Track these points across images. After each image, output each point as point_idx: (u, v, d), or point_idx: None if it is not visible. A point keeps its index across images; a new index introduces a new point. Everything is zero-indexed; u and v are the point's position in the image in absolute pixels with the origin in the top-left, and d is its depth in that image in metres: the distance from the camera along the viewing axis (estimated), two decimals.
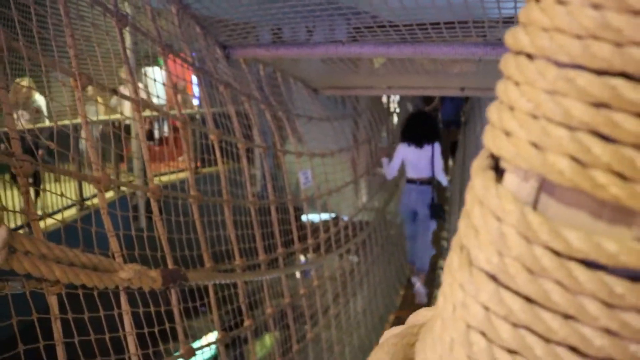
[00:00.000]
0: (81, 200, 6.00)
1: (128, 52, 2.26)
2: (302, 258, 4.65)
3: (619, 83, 0.36)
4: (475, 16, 2.99)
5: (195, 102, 7.34)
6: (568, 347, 0.39)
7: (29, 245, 1.27)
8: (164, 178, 5.19)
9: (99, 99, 5.60)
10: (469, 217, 0.46)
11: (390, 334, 0.58)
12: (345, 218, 5.46)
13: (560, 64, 0.39)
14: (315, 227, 4.17)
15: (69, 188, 5.94)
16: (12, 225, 3.83)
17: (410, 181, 6.74)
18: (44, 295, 1.40)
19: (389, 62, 4.84)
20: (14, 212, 2.01)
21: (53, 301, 1.41)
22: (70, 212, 5.83)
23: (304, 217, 4.06)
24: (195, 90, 5.58)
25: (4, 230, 1.17)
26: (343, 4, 3.14)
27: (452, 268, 0.47)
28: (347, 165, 6.39)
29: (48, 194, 5.60)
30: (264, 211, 3.38)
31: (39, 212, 1.60)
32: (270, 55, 3.48)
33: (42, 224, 1.51)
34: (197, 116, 6.32)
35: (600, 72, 0.37)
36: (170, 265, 2.06)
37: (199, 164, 5.92)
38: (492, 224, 0.42)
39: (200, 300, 2.54)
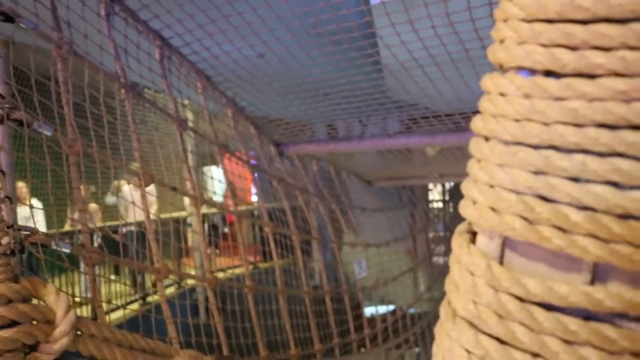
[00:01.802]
0: (143, 295, 6.21)
1: (189, 153, 2.48)
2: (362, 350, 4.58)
3: (551, 154, 0.45)
4: None
5: (254, 198, 7.63)
6: None
7: (93, 329, 1.39)
8: (228, 272, 5.34)
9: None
10: (450, 275, 0.54)
11: None
12: (404, 308, 5.38)
13: (506, 142, 0.48)
14: (372, 319, 4.14)
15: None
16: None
17: None
18: None
19: (440, 152, 4.95)
20: (81, 298, 2.16)
21: None
22: (133, 307, 6.02)
23: (366, 311, 4.06)
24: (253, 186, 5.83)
25: (72, 314, 1.30)
26: (397, 97, 3.31)
27: (442, 320, 0.54)
28: (403, 254, 6.37)
29: (112, 290, 5.83)
30: (318, 301, 3.42)
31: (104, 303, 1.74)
32: (321, 150, 3.67)
33: (107, 317, 1.64)
34: (256, 212, 6.56)
35: (535, 147, 0.46)
36: (225, 354, 2.13)
37: (258, 258, 6.05)
38: (466, 277, 0.50)
39: None
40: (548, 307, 0.45)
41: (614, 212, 0.42)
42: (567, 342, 0.44)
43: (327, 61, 2.77)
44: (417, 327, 5.15)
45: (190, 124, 2.50)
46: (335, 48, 2.61)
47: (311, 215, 3.73)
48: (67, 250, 1.57)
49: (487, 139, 0.50)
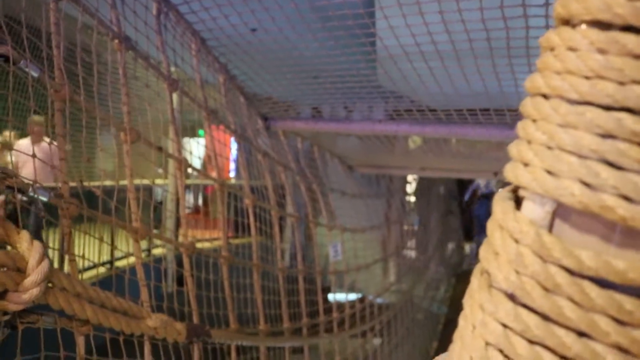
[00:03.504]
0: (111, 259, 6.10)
1: (176, 114, 2.40)
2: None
3: (623, 116, 0.40)
4: (511, 105, 3.09)
5: (232, 174, 7.54)
6: None
7: (66, 283, 1.33)
8: (198, 245, 5.27)
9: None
10: (489, 242, 0.49)
11: None
12: (371, 297, 5.39)
13: (571, 101, 0.43)
14: (341, 304, 4.13)
15: (102, 249, 6.06)
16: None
17: None
18: (72, 335, 1.44)
19: (424, 144, 4.94)
20: (55, 249, 2.08)
21: (81, 341, 1.44)
22: (100, 271, 5.91)
23: (330, 297, 4.04)
24: (232, 163, 5.75)
25: (46, 264, 1.23)
26: (385, 88, 3.28)
27: (473, 290, 0.50)
28: (377, 243, 6.39)
29: (80, 251, 5.70)
30: (291, 280, 3.39)
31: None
32: (309, 128, 3.62)
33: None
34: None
35: (606, 108, 0.41)
36: (195, 322, 2.08)
37: (230, 234, 6.00)
38: (510, 245, 0.46)
39: None
40: (601, 283, 0.42)
41: None
42: (620, 322, 0.41)
43: (320, 44, 2.71)
44: (383, 317, 5.17)
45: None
46: (331, 33, 2.56)
47: (290, 193, 3.68)
48: (45, 199, 1.50)
49: (547, 97, 0.46)
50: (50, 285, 1.31)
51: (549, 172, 0.44)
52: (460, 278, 10.85)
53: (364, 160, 5.52)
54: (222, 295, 2.49)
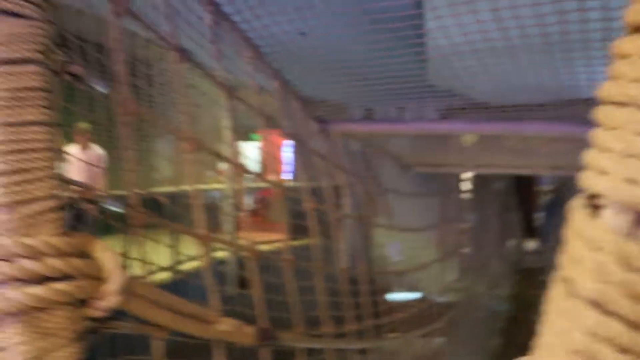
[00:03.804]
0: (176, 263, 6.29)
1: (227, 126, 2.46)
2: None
3: None
4: (567, 96, 3.00)
5: (286, 176, 7.62)
6: None
7: (143, 290, 1.40)
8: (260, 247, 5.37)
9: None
10: (568, 250, 0.50)
11: None
12: (432, 297, 5.34)
13: None
14: (402, 305, 4.12)
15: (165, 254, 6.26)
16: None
17: None
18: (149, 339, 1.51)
19: (478, 142, 4.86)
20: (132, 259, 2.18)
21: (158, 345, 1.51)
22: (164, 276, 6.11)
23: (391, 297, 4.03)
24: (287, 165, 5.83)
25: (123, 272, 1.30)
26: (437, 86, 3.25)
27: (554, 299, 0.51)
28: (434, 242, 6.31)
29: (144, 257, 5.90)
30: (352, 281, 3.40)
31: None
32: (362, 129, 3.63)
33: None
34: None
35: None
36: (263, 325, 2.13)
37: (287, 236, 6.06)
38: (591, 254, 0.46)
39: None
40: None
41: None
42: None
43: (368, 46, 2.71)
44: (445, 317, 5.11)
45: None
46: (379, 35, 2.56)
47: (347, 195, 3.70)
48: (118, 210, 1.57)
49: (622, 105, 0.46)
50: (128, 292, 1.38)
51: (630, 181, 0.44)
52: (521, 275, 10.57)
53: (418, 159, 5.48)
54: (283, 298, 2.53)
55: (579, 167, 0.50)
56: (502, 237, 10.31)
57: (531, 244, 12.67)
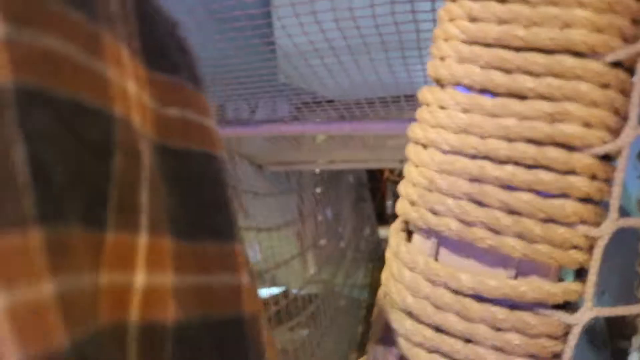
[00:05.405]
0: None
1: None
2: None
3: (485, 164, 0.50)
4: (404, 92, 3.26)
5: None
6: None
7: None
8: None
9: None
10: (388, 269, 0.58)
11: None
12: (294, 291, 5.48)
13: (444, 151, 0.53)
14: (264, 301, 4.18)
15: None
16: None
17: None
18: None
19: (330, 139, 5.08)
20: None
21: None
22: None
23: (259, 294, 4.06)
24: None
25: None
26: (286, 85, 3.34)
27: (381, 311, 0.59)
28: (293, 238, 6.48)
29: None
30: None
31: None
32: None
33: None
34: None
35: (472, 157, 0.51)
36: None
37: None
38: (405, 272, 0.55)
39: None
40: (479, 298, 0.51)
41: (537, 217, 0.49)
42: (496, 328, 0.51)
43: (217, 45, 2.73)
44: (308, 309, 5.27)
45: None
46: (230, 32, 2.59)
47: None
48: None
49: (425, 146, 0.55)
50: None
51: (432, 211, 0.53)
52: (377, 263, 11.20)
53: (272, 158, 5.58)
54: None
55: None
56: (357, 228, 10.84)
57: (385, 232, 13.46)
